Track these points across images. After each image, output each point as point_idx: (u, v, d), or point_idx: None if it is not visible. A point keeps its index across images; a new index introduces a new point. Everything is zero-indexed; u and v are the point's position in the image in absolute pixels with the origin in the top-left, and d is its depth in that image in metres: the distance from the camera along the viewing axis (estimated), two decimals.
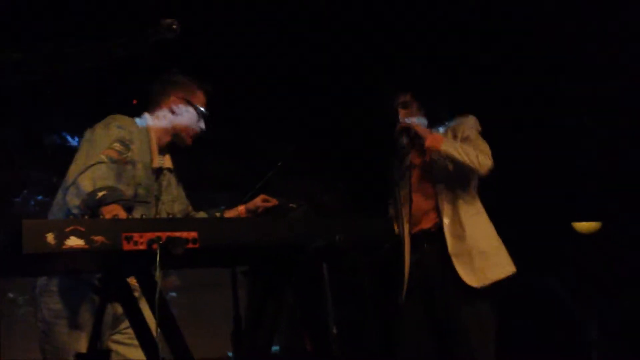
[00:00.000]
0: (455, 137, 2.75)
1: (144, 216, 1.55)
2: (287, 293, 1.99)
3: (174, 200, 2.33)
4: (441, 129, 2.82)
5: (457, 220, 2.68)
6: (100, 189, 1.82)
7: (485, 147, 2.72)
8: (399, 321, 2.80)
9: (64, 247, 1.33)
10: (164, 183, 2.29)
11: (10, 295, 4.37)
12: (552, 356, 4.47)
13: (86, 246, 1.34)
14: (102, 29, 3.37)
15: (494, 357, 2.63)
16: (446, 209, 2.70)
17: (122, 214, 1.64)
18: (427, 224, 2.76)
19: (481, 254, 2.63)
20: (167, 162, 2.33)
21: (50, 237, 1.32)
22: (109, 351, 1.86)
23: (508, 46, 4.17)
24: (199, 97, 2.34)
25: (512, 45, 4.17)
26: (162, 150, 2.30)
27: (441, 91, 2.89)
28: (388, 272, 2.98)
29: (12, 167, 4.48)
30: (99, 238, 1.35)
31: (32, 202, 4.56)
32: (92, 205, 1.73)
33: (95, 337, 1.74)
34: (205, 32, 3.66)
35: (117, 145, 2.08)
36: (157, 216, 2.20)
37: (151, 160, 2.21)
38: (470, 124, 2.78)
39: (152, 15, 2.09)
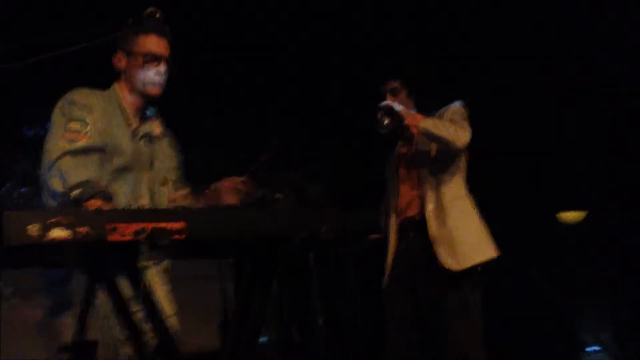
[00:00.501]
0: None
1: (130, 206, 1.53)
2: (274, 284, 1.99)
3: (172, 167, 2.27)
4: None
5: (439, 205, 2.70)
6: (72, 188, 1.77)
7: (465, 124, 2.73)
8: (383, 309, 2.82)
9: (48, 238, 1.31)
10: (156, 148, 2.22)
11: None
12: (539, 352, 4.51)
13: (70, 237, 1.33)
14: (85, 18, 3.34)
15: (480, 340, 2.65)
16: (429, 194, 2.72)
17: (105, 206, 1.62)
18: (412, 211, 2.79)
19: (461, 237, 2.65)
20: (156, 127, 2.25)
21: (32, 229, 1.30)
22: (95, 342, 1.84)
23: (500, 39, 4.19)
24: (141, 42, 2.16)
25: (504, 37, 4.19)
26: (144, 116, 2.23)
27: (431, 83, 2.91)
28: (374, 263, 3.00)
29: None
30: (83, 229, 1.33)
31: (16, 195, 4.51)
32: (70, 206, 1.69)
33: (82, 327, 1.73)
34: (193, 25, 3.64)
35: (73, 125, 2.01)
36: (151, 184, 2.14)
37: (129, 126, 2.15)
38: (454, 109, 2.80)
39: (137, 4, 2.08)
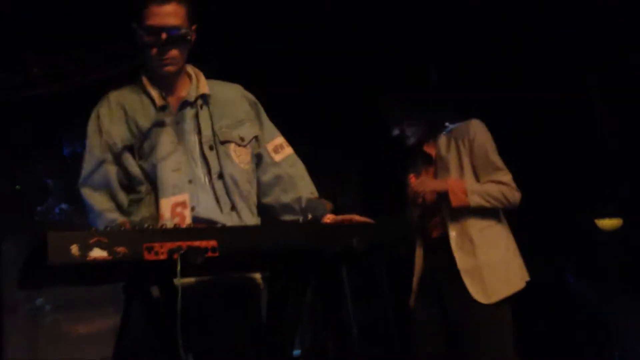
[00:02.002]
0: (458, 149, 2.73)
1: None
2: (307, 297, 2.01)
3: (229, 126, 2.05)
4: (442, 136, 2.81)
5: (465, 235, 2.66)
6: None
7: (505, 174, 2.69)
8: (412, 325, 2.82)
9: (88, 258, 1.37)
10: (211, 110, 2.04)
11: (37, 302, 4.43)
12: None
13: (109, 257, 1.38)
14: (115, 38, 3.43)
15: (512, 356, 2.62)
16: (452, 222, 2.68)
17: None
18: (436, 232, 2.77)
19: (490, 270, 2.61)
20: (201, 88, 2.05)
21: (74, 249, 1.35)
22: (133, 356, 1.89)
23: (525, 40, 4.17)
24: (143, 14, 1.91)
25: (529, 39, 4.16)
26: (187, 82, 2.06)
27: (437, 97, 2.87)
28: (407, 273, 3.01)
29: (33, 175, 4.57)
30: (121, 249, 1.39)
31: (57, 211, 4.63)
32: None
33: (121, 343, 1.78)
34: (215, 33, 3.69)
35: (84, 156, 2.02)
36: (204, 147, 2.00)
37: (153, 104, 2.00)
38: (480, 138, 2.73)
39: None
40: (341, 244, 1.68)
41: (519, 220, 2.81)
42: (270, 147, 2.14)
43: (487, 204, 2.64)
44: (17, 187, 4.56)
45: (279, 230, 1.68)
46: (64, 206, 4.60)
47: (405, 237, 2.03)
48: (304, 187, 2.14)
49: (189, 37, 1.95)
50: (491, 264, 2.62)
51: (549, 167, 4.65)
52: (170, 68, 1.98)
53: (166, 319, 1.60)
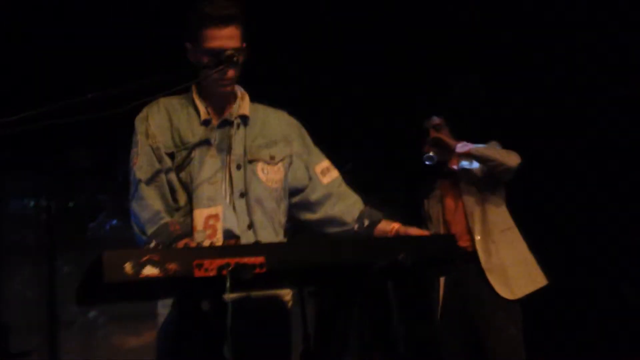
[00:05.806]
0: (482, 168, 3.00)
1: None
2: (355, 312, 2.01)
3: (260, 146, 2.08)
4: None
5: (488, 236, 2.85)
6: (149, 238, 1.82)
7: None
8: (438, 338, 2.99)
9: (141, 276, 1.41)
10: (247, 130, 2.08)
11: (91, 315, 4.53)
12: None
13: (161, 274, 1.42)
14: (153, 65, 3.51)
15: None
16: (477, 227, 2.88)
17: (191, 242, 1.70)
18: (462, 242, 2.91)
19: (513, 267, 2.82)
20: (242, 109, 2.10)
21: (128, 267, 1.40)
22: None
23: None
24: (201, 36, 1.96)
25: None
26: (225, 104, 2.09)
27: (474, 115, 3.09)
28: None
29: (84, 192, 4.70)
30: (172, 266, 1.42)
31: (107, 227, 4.75)
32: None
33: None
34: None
35: (132, 152, 2.04)
36: (231, 166, 2.04)
37: (199, 118, 2.06)
38: (494, 145, 2.99)
39: None
40: (388, 259, 1.67)
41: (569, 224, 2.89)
42: (318, 169, 2.19)
43: (486, 151, 2.87)
44: (70, 204, 4.71)
45: (326, 246, 1.69)
46: (114, 222, 4.72)
47: (456, 252, 2.01)
48: (356, 200, 2.19)
49: (243, 59, 1.99)
50: (515, 262, 2.83)
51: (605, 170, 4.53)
52: (227, 88, 2.06)
53: (216, 333, 1.63)
